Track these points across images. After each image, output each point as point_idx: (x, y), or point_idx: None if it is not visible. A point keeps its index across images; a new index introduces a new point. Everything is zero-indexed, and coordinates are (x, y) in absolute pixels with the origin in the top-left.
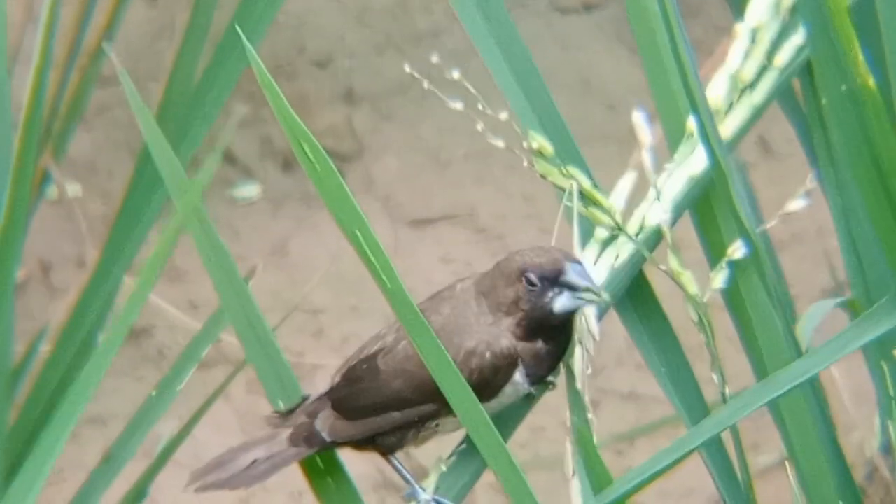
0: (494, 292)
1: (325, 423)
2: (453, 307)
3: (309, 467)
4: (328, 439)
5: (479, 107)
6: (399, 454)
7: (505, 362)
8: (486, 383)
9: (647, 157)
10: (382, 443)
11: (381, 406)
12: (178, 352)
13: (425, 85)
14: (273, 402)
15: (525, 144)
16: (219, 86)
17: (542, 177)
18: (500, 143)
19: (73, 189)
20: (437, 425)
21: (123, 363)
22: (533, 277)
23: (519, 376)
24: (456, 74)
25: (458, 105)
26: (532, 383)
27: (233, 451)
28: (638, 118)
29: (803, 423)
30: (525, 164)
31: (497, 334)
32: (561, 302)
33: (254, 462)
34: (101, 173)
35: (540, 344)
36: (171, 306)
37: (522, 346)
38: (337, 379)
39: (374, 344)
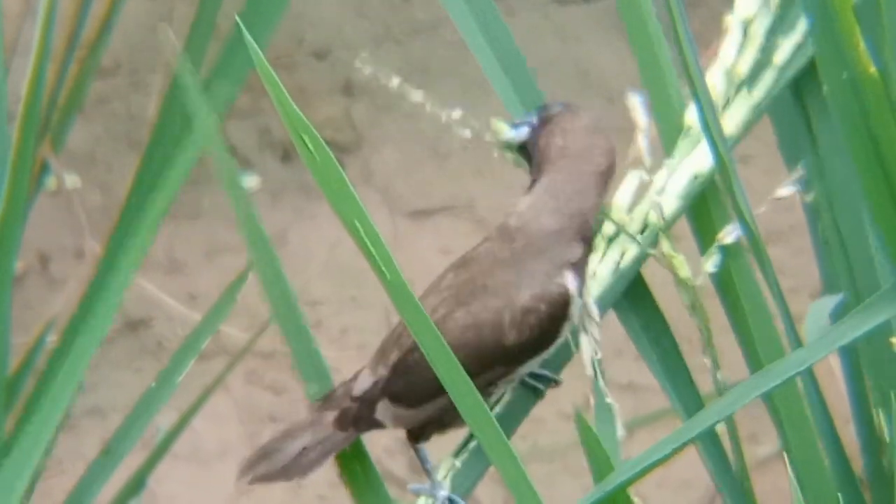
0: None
1: (386, 414)
2: (507, 266)
3: (338, 455)
4: (393, 427)
5: (429, 106)
6: (422, 445)
7: (560, 309)
8: (546, 334)
9: (642, 141)
10: (445, 423)
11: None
12: (177, 343)
13: (395, 82)
14: (307, 382)
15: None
16: (228, 82)
17: (518, 165)
18: (494, 153)
19: (72, 180)
20: (495, 388)
21: (122, 355)
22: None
23: (572, 308)
24: (419, 94)
25: (455, 114)
26: (581, 293)
27: (277, 440)
28: (633, 101)
29: (797, 415)
30: (513, 164)
31: (551, 272)
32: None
33: (304, 450)
34: (100, 165)
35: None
36: (170, 298)
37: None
38: (382, 371)
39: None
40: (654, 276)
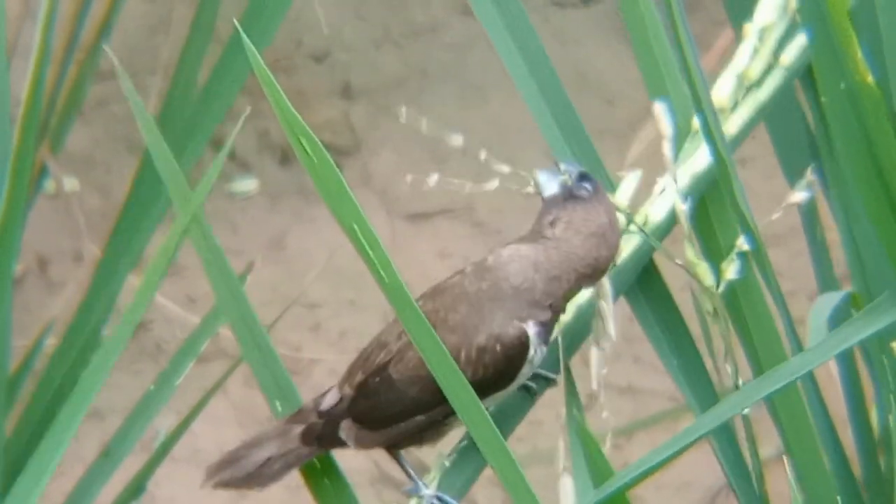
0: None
1: (350, 434)
2: (471, 304)
3: (305, 465)
4: (355, 448)
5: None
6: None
7: (516, 350)
8: (502, 374)
9: (667, 148)
10: (407, 444)
11: (403, 413)
12: (176, 346)
13: (401, 118)
14: (269, 401)
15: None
16: (226, 86)
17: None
18: (495, 179)
19: (71, 183)
20: (454, 421)
21: (121, 357)
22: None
23: (532, 350)
24: (425, 122)
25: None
26: (545, 343)
27: (245, 447)
28: (659, 109)
29: (798, 418)
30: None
31: (508, 316)
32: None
33: (268, 460)
34: (99, 167)
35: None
36: (169, 301)
37: (544, 316)
38: (348, 390)
39: (380, 353)
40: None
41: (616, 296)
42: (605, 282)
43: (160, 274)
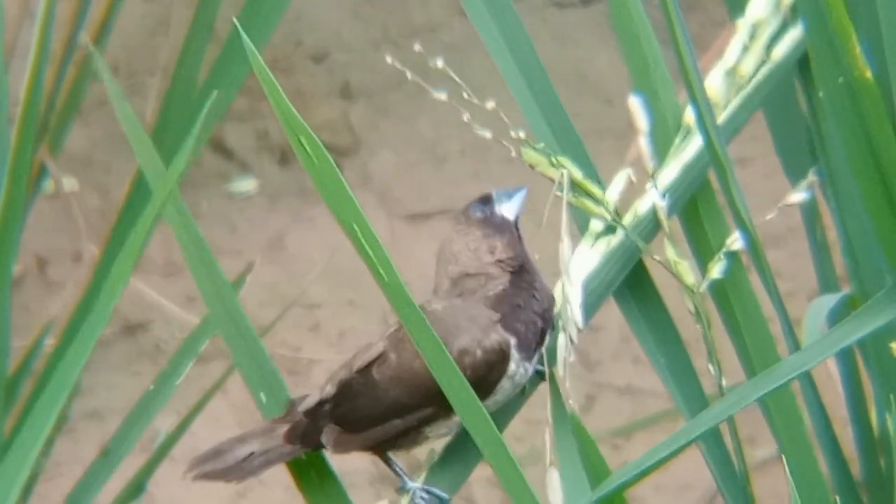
0: (469, 276)
1: (330, 437)
2: (444, 307)
3: (294, 464)
4: (332, 452)
5: (465, 96)
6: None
7: (497, 357)
8: (482, 380)
9: (643, 144)
10: (386, 450)
11: (382, 416)
12: (175, 346)
13: (409, 76)
14: (253, 392)
15: (513, 134)
16: (225, 85)
17: (531, 167)
18: (487, 134)
19: (70, 183)
20: (430, 429)
21: (120, 358)
22: (479, 208)
23: (513, 365)
24: (440, 63)
25: (442, 95)
26: (528, 361)
27: (230, 442)
28: (634, 104)
29: (792, 420)
30: (513, 154)
31: (487, 327)
32: (507, 208)
33: (250, 455)
34: (98, 168)
35: (528, 301)
36: (168, 301)
37: (516, 327)
38: (329, 389)
39: (364, 353)
40: (655, 275)
41: (604, 293)
42: (572, 268)
43: (134, 256)
